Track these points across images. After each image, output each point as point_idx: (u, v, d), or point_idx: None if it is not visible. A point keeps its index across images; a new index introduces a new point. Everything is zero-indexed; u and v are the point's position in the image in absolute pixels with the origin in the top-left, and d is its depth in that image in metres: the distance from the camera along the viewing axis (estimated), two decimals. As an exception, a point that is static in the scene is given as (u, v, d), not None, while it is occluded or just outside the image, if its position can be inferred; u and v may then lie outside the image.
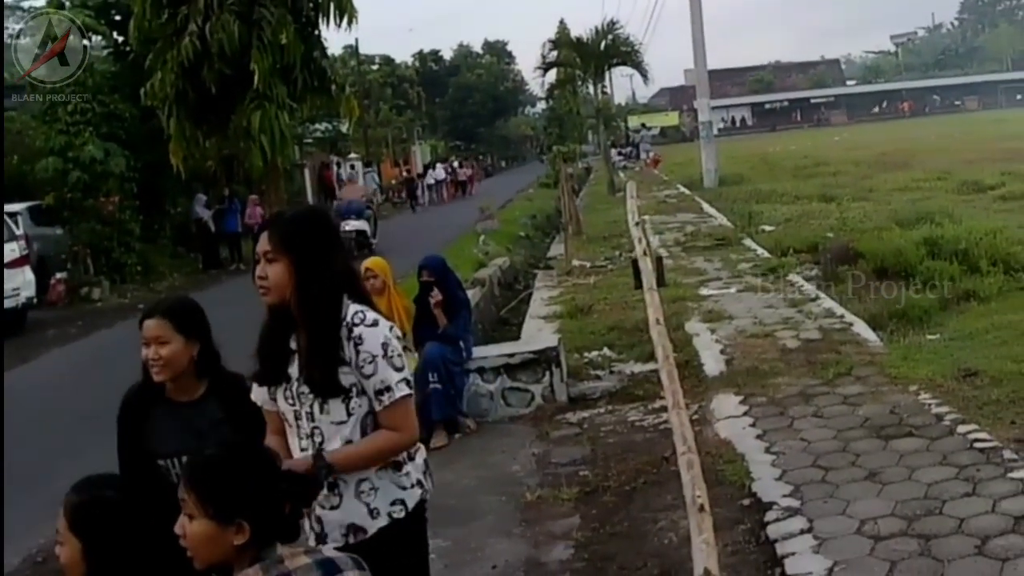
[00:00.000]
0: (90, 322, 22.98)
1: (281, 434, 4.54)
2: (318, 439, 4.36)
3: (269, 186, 27.19)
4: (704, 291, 16.74)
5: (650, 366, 11.89)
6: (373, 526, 4.35)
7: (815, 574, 6.38)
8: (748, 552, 7.07)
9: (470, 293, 14.31)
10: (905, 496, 7.33)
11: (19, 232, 22.97)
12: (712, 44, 44.17)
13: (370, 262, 10.66)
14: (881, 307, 14.13)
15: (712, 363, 11.94)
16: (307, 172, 52.33)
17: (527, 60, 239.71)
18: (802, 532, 7.02)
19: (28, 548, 9.01)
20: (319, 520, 4.35)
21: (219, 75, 23.65)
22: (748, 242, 22.49)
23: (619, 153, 71.95)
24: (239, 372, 4.82)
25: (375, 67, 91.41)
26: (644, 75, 51.86)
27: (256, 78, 23.28)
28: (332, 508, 4.34)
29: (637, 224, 14.90)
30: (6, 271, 21.27)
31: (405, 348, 10.35)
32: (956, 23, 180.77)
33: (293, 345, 4.37)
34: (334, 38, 49.62)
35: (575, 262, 21.75)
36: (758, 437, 9.14)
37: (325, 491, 4.31)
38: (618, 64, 51.20)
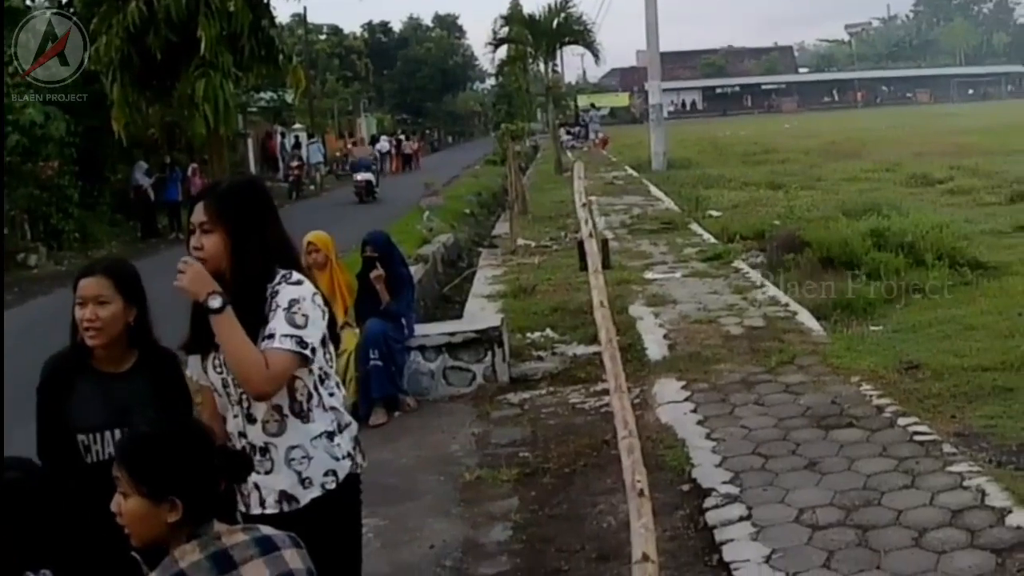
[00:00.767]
0: (26, 289, 22.61)
1: (219, 417, 4.49)
2: (246, 405, 4.35)
3: (212, 155, 26.90)
4: (649, 275, 16.78)
5: (593, 348, 11.90)
6: (305, 496, 4.35)
7: (752, 561, 6.41)
8: (687, 538, 7.09)
9: (413, 269, 14.26)
10: (844, 486, 7.37)
11: (-46, 195, 22.63)
12: (665, 26, 44.18)
13: (313, 236, 10.54)
14: (825, 297, 14.18)
15: (655, 347, 11.96)
16: (250, 142, 51.98)
17: (477, 35, 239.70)
18: (741, 519, 7.06)
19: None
20: (256, 486, 4.34)
21: (165, 41, 23.32)
22: (695, 227, 22.55)
23: (568, 132, 71.91)
24: (170, 348, 4.68)
25: (323, 37, 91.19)
26: (596, 55, 51.93)
27: (203, 45, 22.99)
28: (266, 473, 4.34)
29: (584, 205, 14.86)
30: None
31: (347, 324, 10.36)
32: (911, 15, 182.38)
33: None
34: (282, 7, 49.48)
35: (520, 241, 21.71)
36: (699, 423, 9.18)
37: (258, 456, 4.32)
38: (570, 43, 51.17)
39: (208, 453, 3.49)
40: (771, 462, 8.03)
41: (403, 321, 11.02)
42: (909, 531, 6.57)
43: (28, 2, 27.84)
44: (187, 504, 3.34)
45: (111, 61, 23.79)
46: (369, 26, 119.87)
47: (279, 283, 4.29)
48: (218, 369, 4.37)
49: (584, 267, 12.81)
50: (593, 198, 24.41)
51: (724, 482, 7.72)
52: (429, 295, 17.05)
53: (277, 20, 28.83)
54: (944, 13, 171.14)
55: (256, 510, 4.33)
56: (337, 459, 4.42)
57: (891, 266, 15.28)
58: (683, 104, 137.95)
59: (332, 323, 4.56)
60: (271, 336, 4.18)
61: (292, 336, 4.19)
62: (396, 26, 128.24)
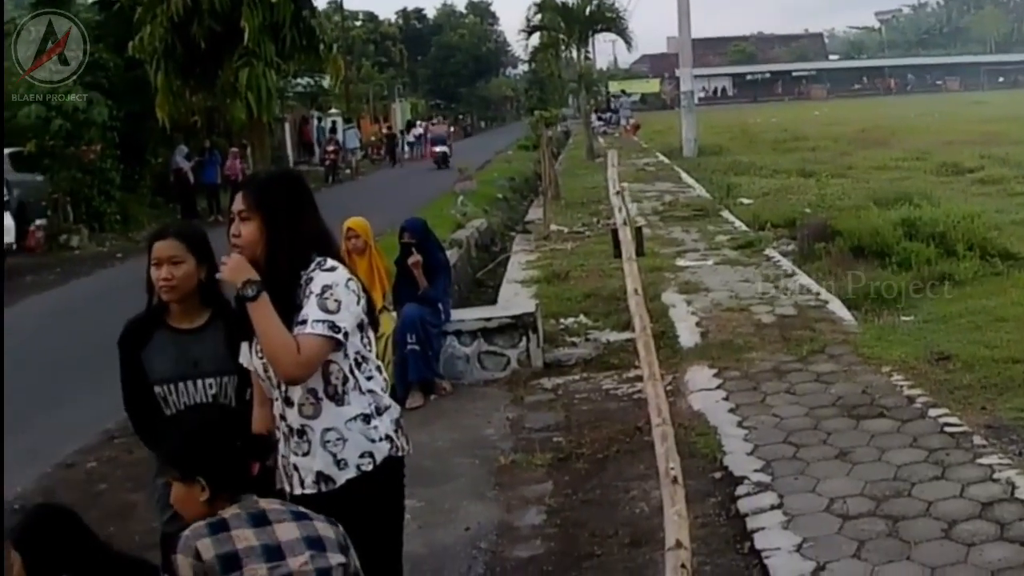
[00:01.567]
0: (68, 269, 22.98)
1: (267, 402, 4.63)
2: (284, 388, 4.48)
3: (253, 141, 27.18)
4: (681, 262, 16.78)
5: (625, 335, 11.99)
6: (341, 476, 4.45)
7: (784, 550, 6.45)
8: (718, 525, 7.14)
9: (447, 254, 14.35)
10: (875, 477, 7.40)
11: (-1, 178, 22.91)
12: (696, 13, 44.19)
13: (351, 222, 10.68)
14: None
15: (687, 335, 12.01)
16: (287, 127, 52.14)
17: (510, 22, 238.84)
18: (772, 508, 7.10)
19: (5, 497, 9.05)
20: (296, 467, 4.49)
21: (208, 31, 23.55)
22: (726, 214, 22.50)
23: (599, 118, 71.76)
24: None
25: (358, 23, 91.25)
26: (628, 42, 51.78)
27: (246, 35, 23.19)
28: (303, 455, 4.47)
29: (618, 193, 14.96)
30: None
31: (384, 308, 10.49)
32: (942, 2, 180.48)
33: None
34: (320, -6, 49.97)
35: (553, 227, 21.75)
36: (731, 411, 9.23)
37: (295, 438, 4.48)
38: (602, 30, 51.08)
39: (227, 437, 3.93)
40: (802, 451, 8.07)
41: (439, 306, 11.16)
42: (939, 522, 6.59)
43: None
44: (212, 483, 3.79)
45: (155, 50, 24.06)
46: (403, 13, 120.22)
47: (313, 270, 4.40)
48: (259, 355, 4.48)
49: (618, 254, 12.92)
50: (625, 185, 24.47)
51: (756, 470, 7.77)
52: (463, 280, 17.15)
53: (316, 8, 29.02)
54: (974, 0, 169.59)
55: (297, 490, 4.47)
56: (374, 441, 4.51)
57: (922, 256, 15.26)
58: (713, 90, 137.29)
59: (371, 308, 4.68)
60: (303, 322, 4.28)
61: (324, 321, 4.28)
62: (430, 13, 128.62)
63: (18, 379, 12.93)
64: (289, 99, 51.85)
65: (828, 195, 23.15)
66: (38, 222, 26.23)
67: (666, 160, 40.03)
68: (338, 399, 4.46)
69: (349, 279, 4.46)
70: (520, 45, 66.37)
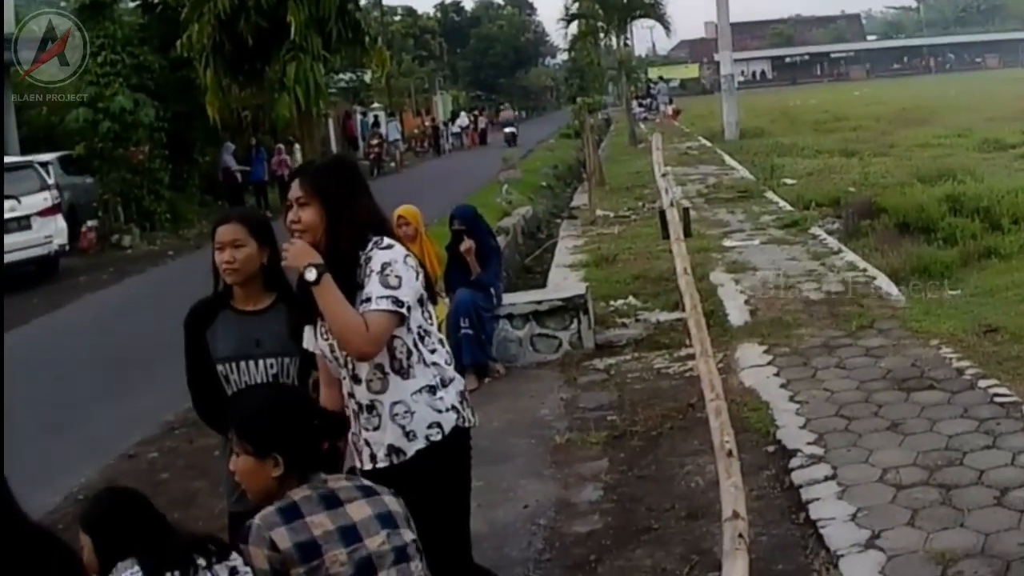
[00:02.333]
0: (121, 268, 23.24)
1: (335, 382, 4.76)
2: (351, 367, 4.61)
3: (304, 135, 27.23)
4: (727, 242, 16.87)
5: (675, 315, 12.09)
6: (411, 448, 4.56)
7: (839, 519, 6.52)
8: (773, 497, 7.22)
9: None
10: (926, 447, 7.46)
11: (50, 181, 23.14)
12: (733, -3, 44.01)
13: (402, 210, 10.82)
14: (903, 262, 14.22)
15: (736, 313, 12.09)
16: (331, 122, 52.32)
17: (548, 11, 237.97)
18: (826, 479, 7.17)
19: (68, 487, 9.24)
20: (367, 443, 4.62)
21: (255, 27, 23.67)
22: (770, 195, 22.53)
23: (640, 104, 71.55)
24: None
25: (397, 18, 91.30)
26: (667, 27, 51.46)
27: (292, 30, 23.29)
28: (374, 429, 4.59)
29: (664, 175, 15.03)
30: (39, 219, 21.59)
31: (436, 294, 10.63)
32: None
33: None
34: (360, -10, 49.98)
35: (599, 212, 21.85)
36: (782, 386, 9.30)
37: (365, 414, 4.60)
38: (641, 16, 50.90)
39: (306, 416, 4.00)
40: (854, 424, 8.13)
41: (492, 291, 11.29)
42: (991, 490, 6.64)
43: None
44: (288, 460, 3.82)
45: (203, 48, 24.16)
46: (442, 6, 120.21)
47: (371, 249, 4.52)
48: (325, 336, 4.62)
49: (666, 235, 13.00)
50: (669, 168, 24.50)
51: (809, 443, 7.83)
52: (511, 266, 17.23)
53: (360, 1, 29.14)
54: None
55: (368, 465, 4.59)
56: (440, 412, 4.61)
57: (967, 231, 15.31)
58: (752, 74, 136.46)
59: (429, 283, 4.81)
60: (368, 299, 4.41)
61: (387, 297, 4.41)
62: (468, 5, 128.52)
63: (78, 375, 13.26)
64: (332, 94, 52.08)
65: (871, 173, 23.19)
66: (89, 223, 26.52)
67: (708, 144, 39.91)
68: (404, 373, 4.58)
69: (407, 255, 4.59)
70: (559, 34, 66.23)
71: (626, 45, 56.53)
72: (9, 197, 19.68)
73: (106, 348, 14.75)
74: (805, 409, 8.62)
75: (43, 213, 21.89)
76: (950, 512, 6.44)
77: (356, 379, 4.61)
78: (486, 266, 11.27)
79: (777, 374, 9.68)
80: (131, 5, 34.17)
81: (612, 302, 13.26)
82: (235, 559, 3.85)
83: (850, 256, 14.72)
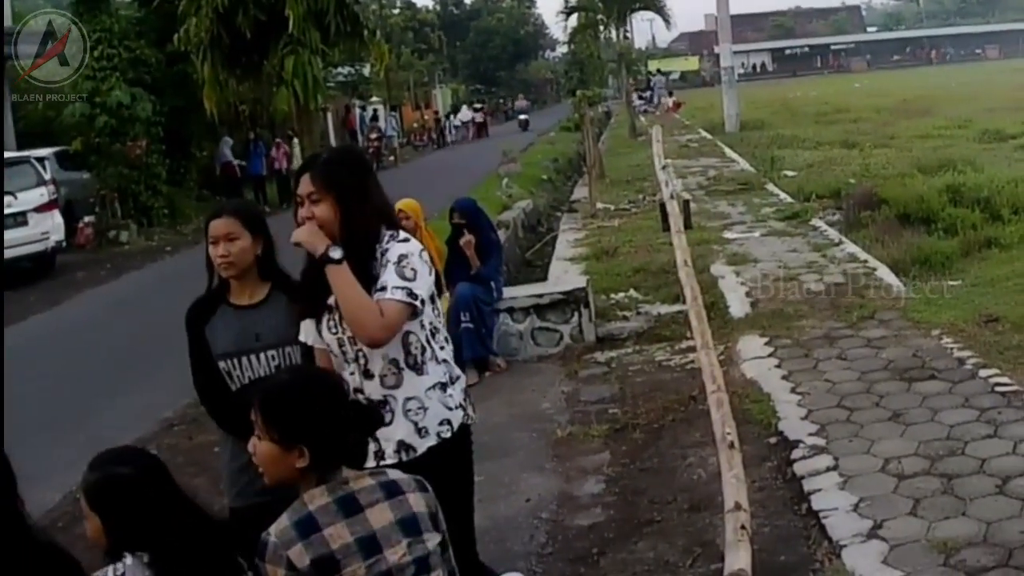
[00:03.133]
0: (119, 264, 23.23)
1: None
2: (363, 362, 4.58)
3: (302, 130, 27.22)
4: (728, 234, 16.83)
5: (676, 307, 12.07)
6: (422, 445, 4.57)
7: (841, 510, 6.52)
8: (775, 488, 7.22)
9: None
10: (928, 437, 7.45)
11: (47, 176, 23.15)
12: (733, -12, 43.92)
13: (402, 203, 10.73)
14: (903, 253, 14.20)
15: (737, 305, 12.07)
16: (329, 116, 52.30)
17: (547, 4, 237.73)
18: (828, 469, 7.17)
19: (68, 486, 9.21)
20: (376, 438, 4.52)
21: (253, 21, 23.65)
22: (771, 187, 22.45)
23: (640, 97, 71.49)
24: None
25: (396, 11, 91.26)
26: (666, 20, 51.49)
27: (290, 23, 23.28)
28: (385, 425, 4.49)
29: (664, 168, 15.01)
30: (36, 215, 21.58)
31: (437, 288, 10.61)
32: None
33: None
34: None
35: (599, 205, 21.79)
36: (783, 378, 9.29)
37: None
38: (640, 9, 50.91)
39: (339, 406, 3.71)
40: (855, 414, 8.13)
41: (492, 284, 11.30)
42: (993, 479, 6.64)
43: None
44: (314, 452, 3.56)
45: (201, 41, 24.15)
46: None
47: (388, 242, 4.53)
48: (333, 329, 4.60)
49: (666, 228, 12.99)
50: (669, 160, 24.48)
51: (810, 434, 7.83)
52: (512, 260, 17.21)
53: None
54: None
55: (372, 462, 4.44)
56: (451, 408, 4.65)
57: (968, 221, 15.28)
58: (752, 66, 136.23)
59: (437, 280, 4.81)
60: (383, 288, 4.41)
61: (403, 288, 4.41)
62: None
63: (77, 371, 13.25)
64: (331, 88, 52.07)
65: (872, 165, 23.16)
66: (86, 219, 26.53)
67: (709, 136, 39.87)
68: (418, 368, 4.59)
69: (422, 250, 4.59)
70: (559, 27, 66.68)
71: (626, 38, 56.59)
72: (6, 193, 19.64)
73: (104, 345, 14.75)
74: (806, 400, 8.61)
75: (40, 209, 21.97)
76: (952, 501, 6.44)
77: (367, 374, 4.59)
78: (486, 260, 11.27)
79: (778, 366, 9.67)
80: (127, 0, 34.12)
81: (613, 295, 13.21)
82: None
83: (851, 247, 14.70)
